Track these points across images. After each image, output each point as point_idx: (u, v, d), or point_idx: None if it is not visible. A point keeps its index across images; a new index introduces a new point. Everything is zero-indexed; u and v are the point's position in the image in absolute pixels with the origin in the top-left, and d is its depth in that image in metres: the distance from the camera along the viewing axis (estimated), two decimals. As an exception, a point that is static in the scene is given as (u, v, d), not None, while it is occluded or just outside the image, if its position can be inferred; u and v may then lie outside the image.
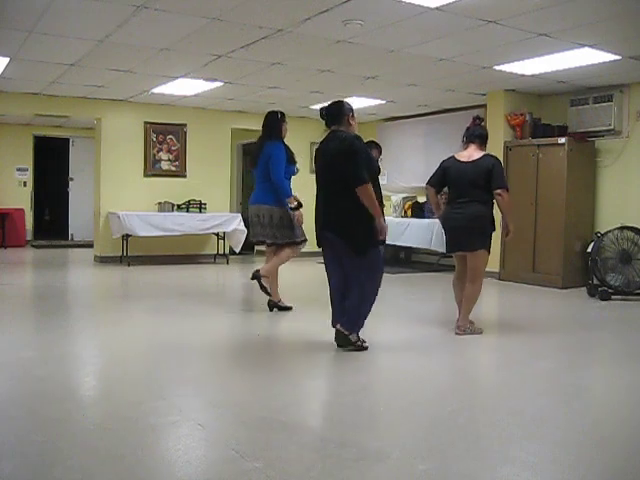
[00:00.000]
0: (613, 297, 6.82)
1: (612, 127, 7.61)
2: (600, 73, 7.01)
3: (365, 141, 6.31)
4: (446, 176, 5.02)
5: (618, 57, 6.27)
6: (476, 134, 5.09)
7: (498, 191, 4.85)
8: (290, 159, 5.55)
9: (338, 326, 4.30)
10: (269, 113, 5.70)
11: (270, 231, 5.54)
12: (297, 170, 5.76)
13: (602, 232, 7.23)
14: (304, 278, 8.51)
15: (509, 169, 8.25)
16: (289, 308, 5.74)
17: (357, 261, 4.20)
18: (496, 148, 8.38)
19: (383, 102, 9.31)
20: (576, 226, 7.69)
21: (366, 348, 4.29)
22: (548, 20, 5.20)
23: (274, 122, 5.59)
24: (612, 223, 7.29)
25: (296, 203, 5.48)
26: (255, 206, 5.63)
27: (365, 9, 5.01)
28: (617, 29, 5.43)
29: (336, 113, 4.36)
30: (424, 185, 5.30)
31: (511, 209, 4.95)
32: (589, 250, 7.31)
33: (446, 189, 5.11)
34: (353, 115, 4.39)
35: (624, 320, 6.01)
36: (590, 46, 5.95)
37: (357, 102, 9.31)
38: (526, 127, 8.22)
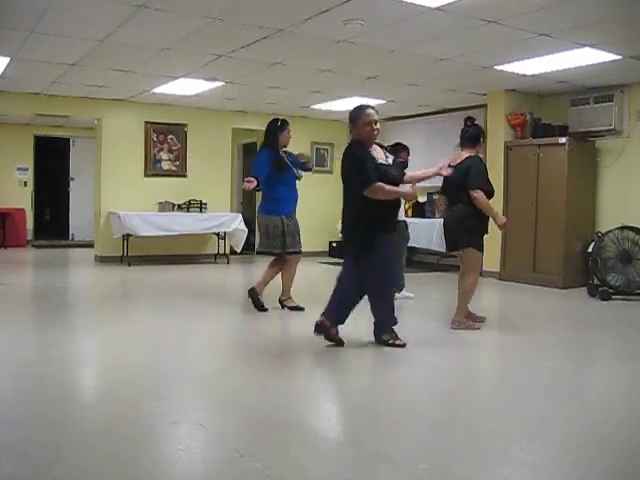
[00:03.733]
0: (613, 297, 6.82)
1: (612, 127, 7.61)
2: (600, 73, 7.01)
3: (392, 144, 6.39)
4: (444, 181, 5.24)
5: (619, 57, 6.27)
6: (466, 137, 5.19)
7: (470, 191, 4.98)
8: (279, 166, 5.49)
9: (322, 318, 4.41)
10: (270, 121, 5.73)
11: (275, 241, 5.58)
12: (299, 176, 5.69)
13: (603, 232, 7.23)
14: (304, 278, 8.50)
15: (509, 169, 8.27)
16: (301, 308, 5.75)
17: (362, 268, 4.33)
18: (496, 148, 8.41)
19: (383, 102, 9.30)
20: (576, 226, 7.69)
21: (402, 345, 4.39)
22: (548, 20, 5.20)
23: (269, 130, 5.63)
24: (613, 223, 7.29)
25: (255, 182, 5.37)
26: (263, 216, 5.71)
27: (365, 9, 5.01)
28: (617, 29, 5.43)
29: (350, 120, 4.39)
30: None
31: (487, 206, 5.03)
32: (590, 250, 7.31)
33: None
34: (362, 119, 4.27)
35: (624, 320, 6.01)
36: (590, 46, 5.95)
37: (357, 102, 9.30)
38: (526, 127, 8.22)
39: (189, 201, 9.93)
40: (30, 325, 5.33)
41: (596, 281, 7.08)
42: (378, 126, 4.30)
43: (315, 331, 4.38)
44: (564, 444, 2.77)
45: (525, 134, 8.21)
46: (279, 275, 5.75)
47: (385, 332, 4.43)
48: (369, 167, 4.16)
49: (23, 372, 3.72)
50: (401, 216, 6.33)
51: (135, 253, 9.47)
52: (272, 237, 5.53)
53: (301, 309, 5.71)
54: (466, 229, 5.01)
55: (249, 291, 5.71)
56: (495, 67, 6.94)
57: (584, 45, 5.92)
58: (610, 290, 6.86)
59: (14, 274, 8.65)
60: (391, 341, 4.41)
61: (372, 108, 4.33)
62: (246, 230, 9.73)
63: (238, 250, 9.96)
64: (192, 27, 5.56)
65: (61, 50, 6.43)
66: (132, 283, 8.11)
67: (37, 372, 3.70)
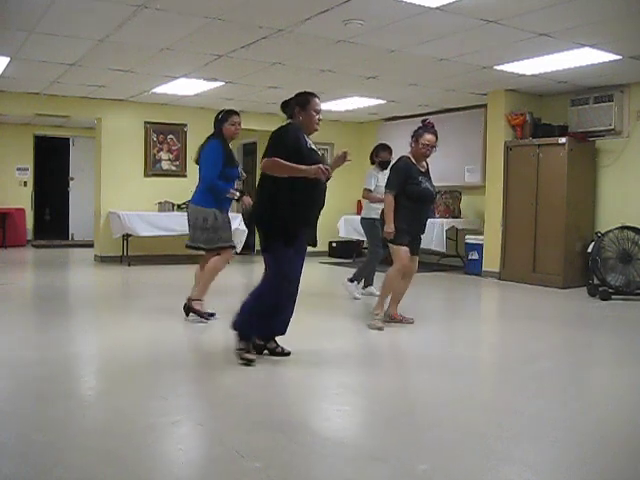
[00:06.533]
0: (613, 297, 6.82)
1: (612, 127, 7.60)
2: (600, 73, 7.01)
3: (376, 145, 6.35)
4: None
5: (618, 57, 6.27)
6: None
7: None
8: (228, 161, 5.14)
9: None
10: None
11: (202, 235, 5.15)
12: (242, 175, 5.40)
13: (602, 232, 7.23)
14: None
15: (509, 169, 8.27)
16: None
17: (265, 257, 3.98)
18: (496, 148, 8.41)
19: (384, 102, 9.31)
20: (576, 226, 7.69)
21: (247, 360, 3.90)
22: (548, 20, 5.20)
23: (215, 121, 5.30)
24: (612, 223, 7.29)
25: (238, 193, 5.14)
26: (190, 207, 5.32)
27: (365, 9, 5.01)
28: (617, 29, 5.43)
29: (297, 104, 4.06)
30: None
31: (388, 211, 5.06)
32: (589, 250, 7.31)
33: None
34: (312, 105, 4.01)
35: (624, 320, 6.01)
36: (590, 46, 5.95)
37: (357, 102, 9.32)
38: (526, 127, 8.21)
39: (189, 201, 9.91)
40: (30, 325, 5.32)
41: (596, 281, 7.08)
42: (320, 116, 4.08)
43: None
44: (564, 444, 2.77)
45: (525, 134, 8.21)
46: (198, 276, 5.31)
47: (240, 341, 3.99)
48: (285, 146, 3.83)
49: (23, 372, 3.72)
50: (372, 214, 6.40)
51: (135, 253, 9.46)
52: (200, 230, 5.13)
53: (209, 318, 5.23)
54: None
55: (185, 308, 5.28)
56: (495, 67, 6.94)
57: (584, 45, 5.92)
58: (610, 290, 6.86)
59: (14, 274, 8.65)
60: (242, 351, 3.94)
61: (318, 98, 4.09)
62: (246, 230, 9.71)
63: (238, 250, 9.94)
64: (192, 27, 5.56)
65: (61, 50, 6.43)
66: (132, 283, 8.11)
67: (37, 372, 3.70)
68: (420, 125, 5.19)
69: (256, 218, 4.01)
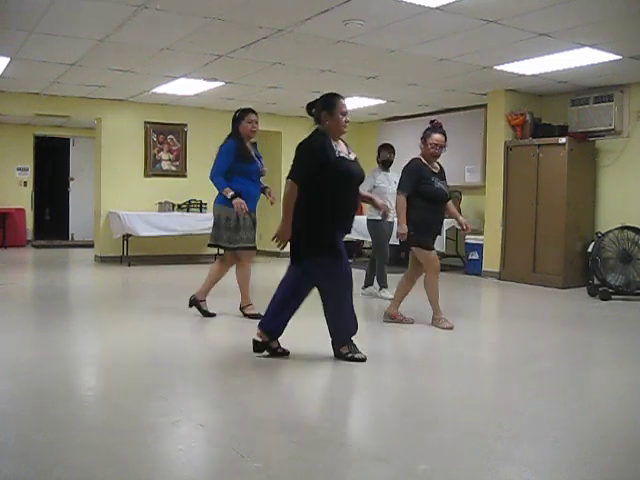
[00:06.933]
0: (613, 297, 6.82)
1: (612, 127, 7.60)
2: (600, 73, 7.01)
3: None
4: None
5: (618, 57, 6.27)
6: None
7: None
8: (242, 157, 5.21)
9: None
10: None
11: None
12: (262, 170, 5.39)
13: (602, 232, 7.23)
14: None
15: (509, 169, 8.27)
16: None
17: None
18: (497, 148, 8.41)
19: (384, 102, 9.31)
20: (576, 226, 7.69)
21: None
22: (548, 20, 5.20)
23: (232, 121, 5.34)
24: (612, 223, 7.29)
25: (232, 192, 5.17)
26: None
27: (365, 9, 5.01)
28: (617, 29, 5.43)
29: (324, 107, 4.01)
30: None
31: (400, 212, 5.16)
32: (589, 250, 7.31)
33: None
34: (339, 108, 3.95)
35: (624, 320, 6.01)
36: (590, 46, 5.95)
37: (357, 102, 9.31)
38: (526, 127, 8.21)
39: (189, 201, 9.93)
40: (30, 325, 5.32)
41: (596, 281, 7.08)
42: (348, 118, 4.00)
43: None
44: (564, 444, 2.77)
45: (525, 134, 8.21)
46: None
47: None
48: (309, 165, 3.84)
49: (23, 372, 3.72)
50: (376, 215, 6.42)
51: (135, 253, 9.46)
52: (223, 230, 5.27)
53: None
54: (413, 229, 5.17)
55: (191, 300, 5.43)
56: (495, 67, 6.94)
57: (584, 45, 5.92)
58: (610, 290, 6.86)
59: (14, 274, 8.65)
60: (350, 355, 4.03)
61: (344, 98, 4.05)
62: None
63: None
64: (192, 27, 5.56)
65: (61, 50, 6.43)
66: (132, 283, 8.11)
67: (37, 372, 3.70)
68: (429, 126, 5.21)
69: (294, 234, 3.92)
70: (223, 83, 8.10)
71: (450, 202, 5.37)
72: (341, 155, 3.91)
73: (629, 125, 7.60)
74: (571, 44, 5.89)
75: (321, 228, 3.87)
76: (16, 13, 5.20)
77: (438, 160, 5.23)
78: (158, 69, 7.34)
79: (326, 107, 3.95)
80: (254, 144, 5.49)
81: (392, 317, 5.29)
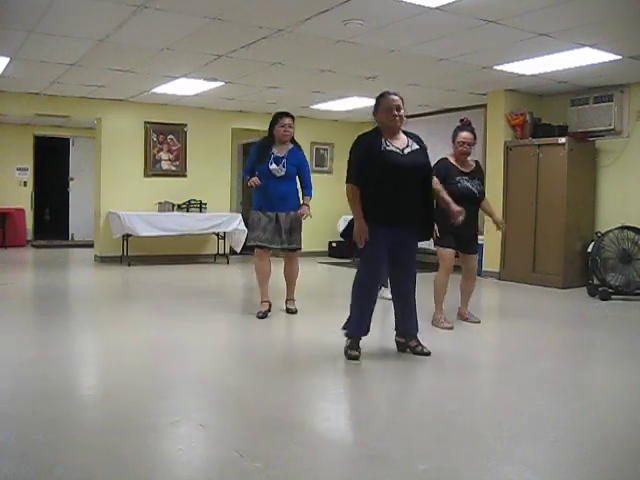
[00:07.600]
0: (613, 297, 6.82)
1: (612, 127, 7.60)
2: (600, 73, 7.01)
3: None
4: None
5: (618, 57, 6.27)
6: None
7: None
8: (258, 158, 5.48)
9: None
10: None
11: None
12: (272, 170, 5.42)
13: (602, 232, 7.24)
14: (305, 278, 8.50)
15: (509, 169, 8.27)
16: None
17: None
18: (496, 148, 8.41)
19: (383, 102, 9.30)
20: (576, 226, 7.69)
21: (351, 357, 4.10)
22: (548, 20, 5.20)
23: (269, 124, 5.58)
24: (612, 223, 7.29)
25: (254, 181, 5.41)
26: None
27: (365, 9, 5.01)
28: (617, 29, 5.43)
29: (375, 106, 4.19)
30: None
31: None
32: (589, 250, 7.31)
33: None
34: (383, 105, 4.07)
35: (624, 320, 6.01)
36: (590, 46, 5.95)
37: (357, 102, 9.32)
38: (526, 127, 8.21)
39: (189, 201, 9.93)
40: (30, 325, 5.32)
41: (596, 281, 7.08)
42: (401, 113, 4.03)
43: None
44: (564, 444, 2.77)
45: (525, 134, 8.21)
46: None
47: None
48: (356, 165, 4.02)
49: (23, 372, 3.72)
50: None
51: (135, 253, 9.46)
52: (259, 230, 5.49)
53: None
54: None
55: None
56: (495, 67, 6.94)
57: (584, 45, 5.92)
58: (610, 290, 6.86)
59: (14, 274, 8.65)
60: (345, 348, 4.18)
61: (396, 94, 4.10)
62: (246, 230, 9.70)
63: (238, 250, 9.95)
64: (192, 27, 5.56)
65: (61, 50, 6.43)
66: (132, 283, 8.11)
67: (37, 372, 3.70)
68: (458, 124, 5.27)
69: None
70: (223, 83, 8.10)
71: (485, 201, 5.34)
72: (387, 149, 3.99)
73: (629, 125, 7.60)
74: (571, 44, 5.90)
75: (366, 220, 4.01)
76: (16, 13, 5.20)
77: (473, 158, 5.28)
78: (158, 69, 7.34)
79: (375, 106, 4.15)
80: (296, 145, 5.61)
81: (461, 317, 5.47)
